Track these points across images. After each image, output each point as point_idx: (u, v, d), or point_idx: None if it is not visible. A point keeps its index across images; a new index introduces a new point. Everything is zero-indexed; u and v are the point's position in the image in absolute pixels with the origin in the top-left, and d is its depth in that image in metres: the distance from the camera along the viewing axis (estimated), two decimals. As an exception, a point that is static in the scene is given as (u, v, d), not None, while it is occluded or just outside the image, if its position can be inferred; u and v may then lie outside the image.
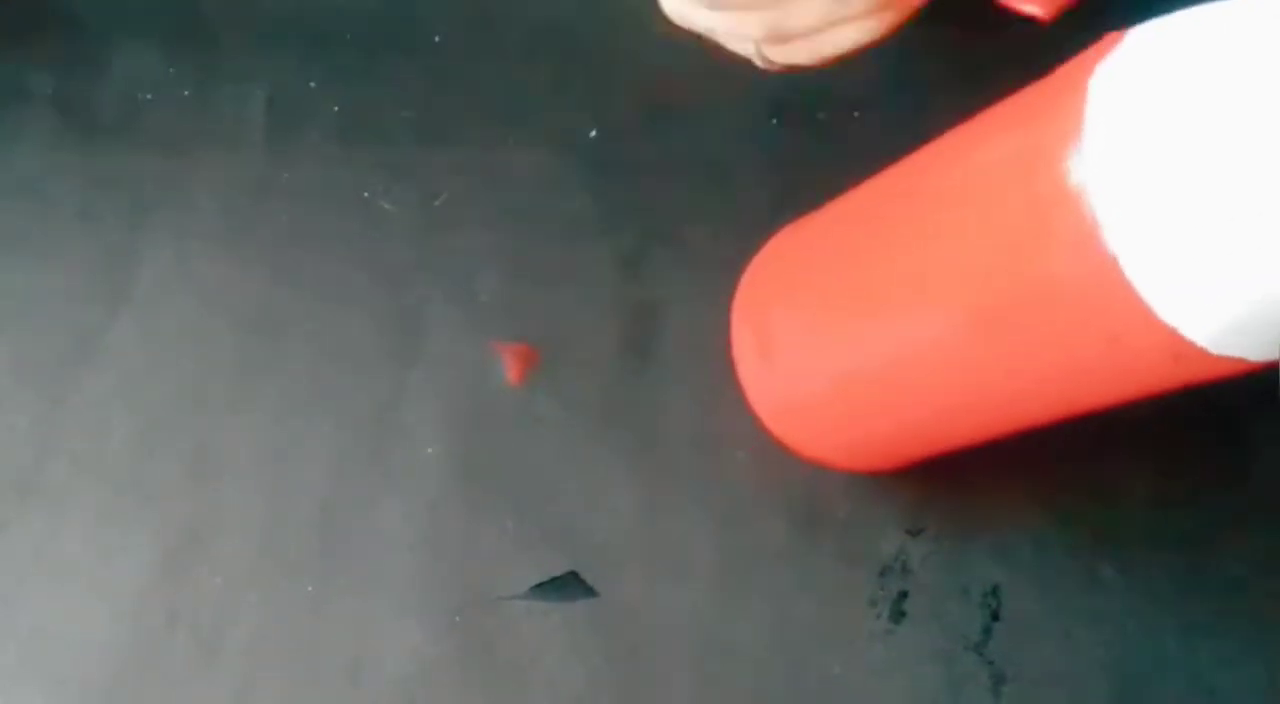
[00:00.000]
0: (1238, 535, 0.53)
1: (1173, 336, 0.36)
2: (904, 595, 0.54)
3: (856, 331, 0.48)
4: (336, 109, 0.67)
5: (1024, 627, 0.54)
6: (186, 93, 0.69)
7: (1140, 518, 0.54)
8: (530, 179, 0.64)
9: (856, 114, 0.62)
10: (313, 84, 0.68)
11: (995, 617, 0.54)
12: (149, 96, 0.69)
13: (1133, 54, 0.36)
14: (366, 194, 0.65)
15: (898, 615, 0.54)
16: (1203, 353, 0.36)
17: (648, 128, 0.64)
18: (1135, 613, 0.53)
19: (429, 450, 0.59)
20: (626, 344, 0.60)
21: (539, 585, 0.56)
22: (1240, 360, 0.37)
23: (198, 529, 0.60)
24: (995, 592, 0.54)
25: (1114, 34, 0.38)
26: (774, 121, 0.63)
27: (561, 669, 0.55)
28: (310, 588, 0.58)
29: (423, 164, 0.65)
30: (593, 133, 0.64)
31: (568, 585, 0.56)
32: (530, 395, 0.60)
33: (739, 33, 0.52)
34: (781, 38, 0.51)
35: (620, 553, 0.57)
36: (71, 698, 0.58)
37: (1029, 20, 0.51)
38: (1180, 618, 0.53)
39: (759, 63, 0.53)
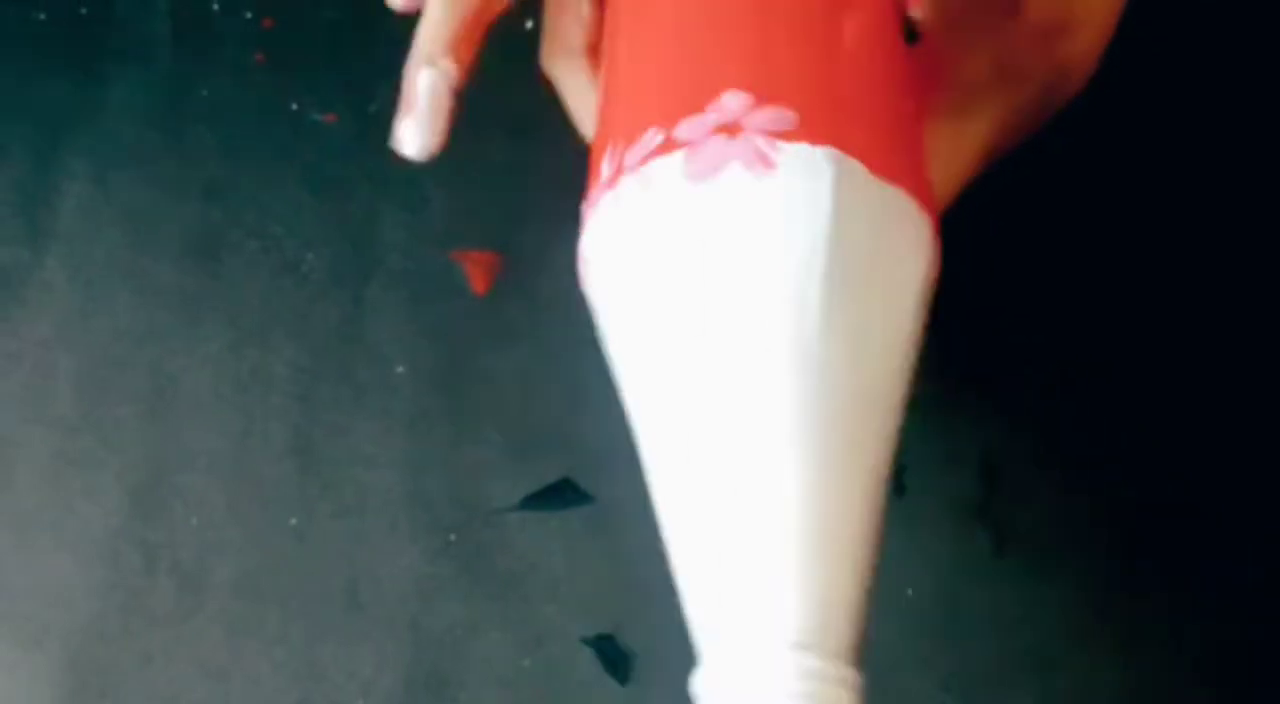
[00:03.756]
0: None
1: None
2: (901, 469, 0.55)
3: None
4: (249, 15, 0.64)
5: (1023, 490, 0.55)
6: (84, 11, 0.65)
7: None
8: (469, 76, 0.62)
9: None
10: (220, -9, 0.65)
11: (993, 482, 0.55)
12: (42, 16, 0.65)
13: None
14: (295, 105, 0.62)
15: (897, 489, 0.55)
16: None
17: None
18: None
19: (399, 369, 0.58)
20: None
21: (532, 495, 0.56)
22: None
23: (164, 468, 0.58)
24: (991, 458, 0.55)
25: None
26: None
27: (564, 577, 0.55)
28: (294, 520, 0.56)
29: (350, 68, 0.63)
30: (529, 24, 0.62)
31: (562, 492, 0.56)
32: (499, 304, 0.59)
33: None
34: None
35: (611, 454, 0.55)
36: (55, 650, 0.56)
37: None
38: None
39: None
